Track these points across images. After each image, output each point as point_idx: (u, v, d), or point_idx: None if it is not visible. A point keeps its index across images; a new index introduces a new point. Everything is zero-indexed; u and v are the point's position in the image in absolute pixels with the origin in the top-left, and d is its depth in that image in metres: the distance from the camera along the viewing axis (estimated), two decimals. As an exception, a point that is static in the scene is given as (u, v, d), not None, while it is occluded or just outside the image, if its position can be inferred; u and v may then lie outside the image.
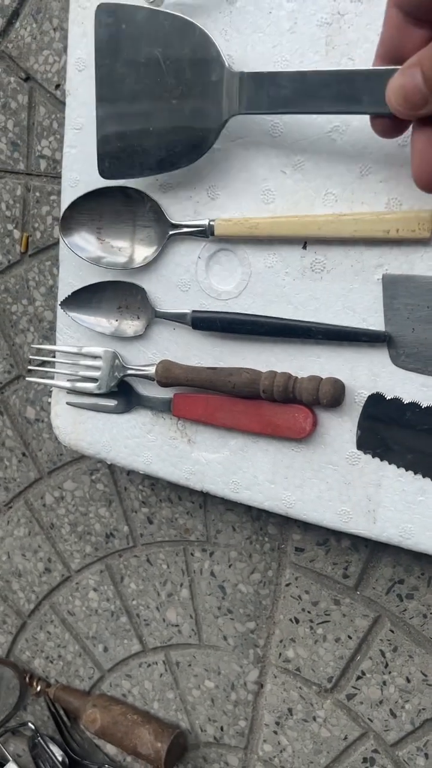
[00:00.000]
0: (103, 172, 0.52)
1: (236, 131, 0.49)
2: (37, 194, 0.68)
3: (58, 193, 0.67)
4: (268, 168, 0.49)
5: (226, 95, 0.47)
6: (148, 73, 0.49)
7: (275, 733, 0.68)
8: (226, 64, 0.46)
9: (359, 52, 0.45)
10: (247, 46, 0.48)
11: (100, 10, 0.49)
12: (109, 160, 0.51)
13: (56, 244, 0.68)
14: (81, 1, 0.53)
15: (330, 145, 0.47)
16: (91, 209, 0.53)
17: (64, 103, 0.63)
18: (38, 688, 0.81)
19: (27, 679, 0.82)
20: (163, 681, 0.74)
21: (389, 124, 0.39)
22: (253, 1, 0.47)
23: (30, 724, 0.83)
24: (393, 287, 0.47)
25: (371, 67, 0.40)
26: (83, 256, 0.54)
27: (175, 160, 0.50)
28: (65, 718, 0.81)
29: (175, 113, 0.49)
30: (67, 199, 0.56)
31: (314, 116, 0.46)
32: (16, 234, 0.70)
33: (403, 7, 0.32)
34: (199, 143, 0.49)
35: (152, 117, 0.49)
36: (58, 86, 0.64)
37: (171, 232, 0.52)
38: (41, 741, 0.80)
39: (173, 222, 0.52)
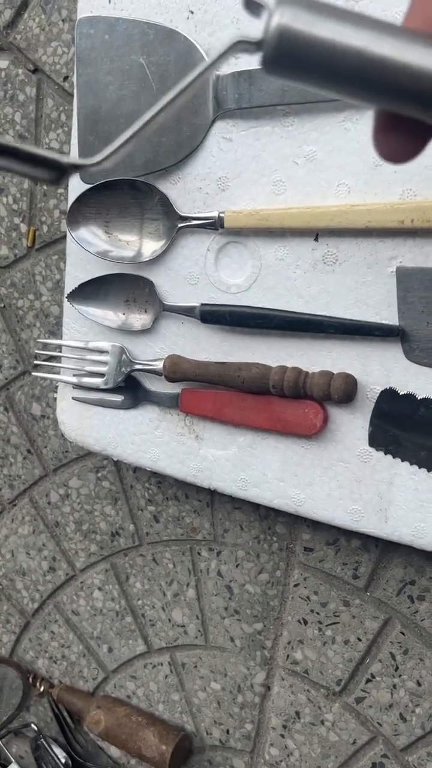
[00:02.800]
0: (85, 177, 0.53)
1: (247, 122, 0.48)
2: (44, 188, 0.67)
3: (66, 186, 0.66)
4: (279, 158, 0.48)
5: (212, 96, 0.48)
6: (131, 78, 0.50)
7: (282, 736, 0.67)
8: None
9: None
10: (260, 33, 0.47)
11: (82, 22, 0.51)
12: None
13: (63, 238, 0.67)
14: (90, -10, 0.53)
15: (343, 134, 0.46)
16: (98, 202, 0.52)
17: (72, 95, 0.63)
18: (41, 689, 0.80)
19: (30, 679, 0.81)
20: (168, 682, 0.73)
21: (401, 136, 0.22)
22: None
23: (33, 725, 0.82)
24: (407, 280, 0.46)
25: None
26: (91, 250, 0.53)
27: (161, 160, 0.51)
28: (69, 720, 0.79)
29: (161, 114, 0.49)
30: (74, 192, 0.55)
31: (326, 105, 0.46)
32: (23, 228, 0.69)
33: None
34: (186, 143, 0.50)
35: (137, 119, 0.50)
36: (66, 78, 0.64)
37: (180, 225, 0.51)
38: (44, 742, 0.79)
39: (182, 214, 0.51)
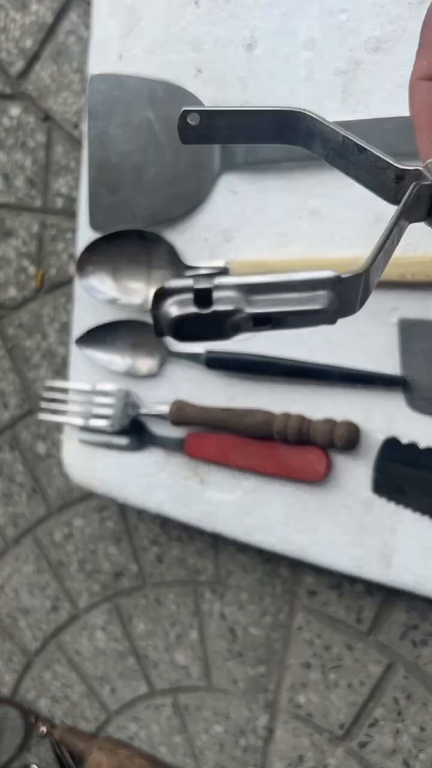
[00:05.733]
0: (95, 225, 0.54)
1: (252, 176, 0.50)
2: (53, 231, 0.69)
3: (74, 230, 0.67)
4: (284, 212, 0.49)
5: (219, 150, 0.50)
6: (140, 132, 0.52)
7: (285, 781, 0.67)
8: None
9: (375, 101, 0.46)
10: (265, 92, 0.49)
11: (93, 78, 0.53)
12: (101, 214, 0.54)
13: (71, 280, 0.69)
14: (101, 47, 0.54)
15: (345, 190, 0.47)
16: (107, 251, 0.54)
17: (81, 143, 0.64)
18: (43, 729, 0.79)
19: (32, 719, 0.81)
20: (170, 724, 0.73)
21: None
22: (271, 49, 0.48)
23: (34, 766, 0.82)
24: (409, 331, 0.47)
25: (372, 117, 0.44)
26: (99, 297, 0.55)
27: (169, 211, 0.52)
28: (70, 761, 0.79)
29: (169, 168, 0.52)
30: (83, 238, 0.56)
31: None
32: (32, 270, 0.71)
33: None
34: (193, 195, 0.51)
35: (146, 171, 0.52)
36: (76, 126, 0.66)
37: (186, 274, 0.52)
38: (45, 784, 0.78)
39: (188, 264, 0.52)
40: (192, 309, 0.17)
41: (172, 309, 0.17)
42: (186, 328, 0.17)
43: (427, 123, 0.23)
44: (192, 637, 0.69)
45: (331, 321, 0.19)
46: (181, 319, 0.17)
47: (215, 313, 0.17)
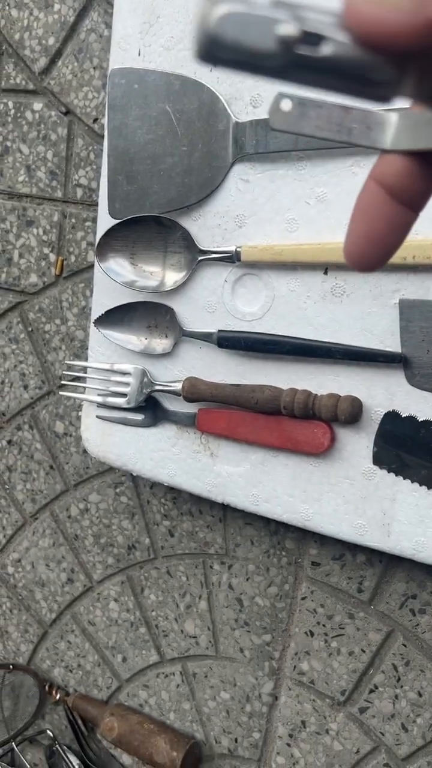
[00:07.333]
0: (114, 213, 0.57)
1: (263, 165, 0.53)
2: (73, 220, 0.72)
3: (93, 219, 0.71)
4: (292, 199, 0.52)
5: (232, 141, 0.53)
6: (158, 124, 0.56)
7: (288, 745, 0.70)
8: (232, 115, 0.53)
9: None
10: (277, 87, 0.52)
11: (114, 72, 0.56)
12: (119, 201, 0.57)
13: (90, 267, 0.72)
14: (121, 44, 0.58)
15: (351, 178, 0.50)
16: (125, 236, 0.57)
17: (101, 136, 0.68)
18: (57, 697, 0.83)
19: (46, 687, 0.84)
20: (179, 692, 0.76)
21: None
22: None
23: (48, 732, 0.85)
24: (409, 311, 0.50)
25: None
26: (117, 280, 0.58)
27: (184, 199, 0.56)
28: (83, 727, 0.82)
29: (185, 157, 0.55)
30: (102, 225, 0.60)
31: (336, 151, 0.50)
32: (52, 257, 0.74)
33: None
34: (207, 183, 0.55)
35: (163, 161, 0.55)
36: (95, 120, 0.69)
37: (200, 258, 0.56)
38: (59, 749, 0.82)
39: (202, 248, 0.56)
40: (239, 7, 0.15)
41: (220, 7, 0.15)
42: (228, 33, 0.16)
43: (357, 219, 0.23)
44: (201, 608, 0.73)
45: (388, 93, 0.16)
46: (226, 18, 0.15)
47: (263, 17, 0.15)
